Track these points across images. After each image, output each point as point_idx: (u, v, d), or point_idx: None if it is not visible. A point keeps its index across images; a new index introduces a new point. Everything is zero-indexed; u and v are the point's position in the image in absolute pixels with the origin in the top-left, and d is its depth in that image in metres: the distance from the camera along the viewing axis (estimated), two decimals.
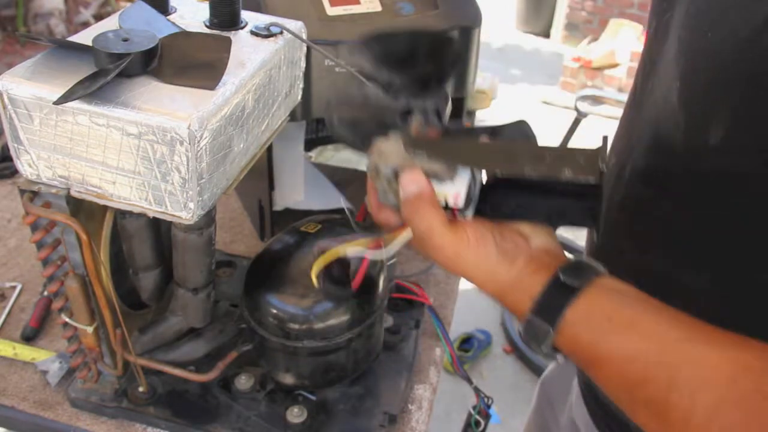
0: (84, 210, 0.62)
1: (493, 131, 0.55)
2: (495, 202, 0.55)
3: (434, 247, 0.53)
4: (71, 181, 0.58)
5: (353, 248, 0.58)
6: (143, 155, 0.54)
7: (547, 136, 2.85)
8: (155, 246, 0.73)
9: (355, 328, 0.73)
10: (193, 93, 0.55)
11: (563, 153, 0.50)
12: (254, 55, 0.62)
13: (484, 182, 0.57)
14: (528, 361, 2.06)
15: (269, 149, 0.92)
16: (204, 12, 0.68)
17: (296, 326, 0.71)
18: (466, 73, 0.94)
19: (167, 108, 0.53)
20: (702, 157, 0.53)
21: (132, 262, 0.73)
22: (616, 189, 0.64)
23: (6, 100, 0.54)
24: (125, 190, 0.57)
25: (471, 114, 1.44)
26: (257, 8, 0.77)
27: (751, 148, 0.48)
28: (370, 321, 0.75)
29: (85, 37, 0.58)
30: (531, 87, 4.16)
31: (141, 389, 0.76)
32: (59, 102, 0.51)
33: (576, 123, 2.28)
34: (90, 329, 0.69)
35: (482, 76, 1.46)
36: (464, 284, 1.08)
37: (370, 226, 0.62)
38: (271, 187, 0.98)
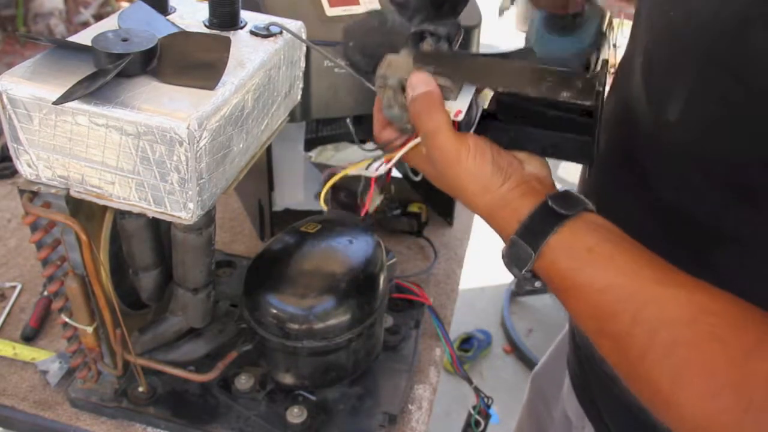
0: (84, 210, 0.62)
1: (502, 56, 0.57)
2: (493, 132, 0.56)
3: (437, 148, 0.54)
4: (71, 181, 0.58)
5: (357, 167, 0.59)
6: (143, 155, 0.54)
7: None
8: (155, 246, 0.73)
9: (355, 328, 0.73)
10: (193, 93, 0.55)
11: (563, 76, 0.51)
12: (254, 55, 0.62)
13: (484, 108, 0.58)
14: (528, 361, 2.06)
15: (269, 149, 0.92)
16: (203, 12, 0.68)
17: (296, 326, 0.71)
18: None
19: (167, 108, 0.53)
20: (662, 132, 0.54)
21: (132, 262, 0.73)
22: (593, 171, 0.65)
23: (5, 100, 0.54)
24: (125, 190, 0.57)
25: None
26: (257, 8, 0.77)
27: (706, 124, 0.50)
28: (370, 321, 0.75)
29: (84, 37, 0.58)
30: None
31: (141, 389, 0.76)
32: (59, 102, 0.51)
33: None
34: (90, 329, 0.69)
35: None
36: (464, 284, 1.08)
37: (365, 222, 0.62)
38: (271, 187, 0.98)
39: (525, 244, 0.50)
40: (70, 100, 0.51)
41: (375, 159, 0.58)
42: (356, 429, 0.74)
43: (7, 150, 0.59)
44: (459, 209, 1.13)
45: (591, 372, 0.71)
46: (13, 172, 1.15)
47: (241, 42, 0.64)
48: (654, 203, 0.57)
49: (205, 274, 0.73)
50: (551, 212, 0.50)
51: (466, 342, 2.12)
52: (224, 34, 0.64)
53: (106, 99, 0.53)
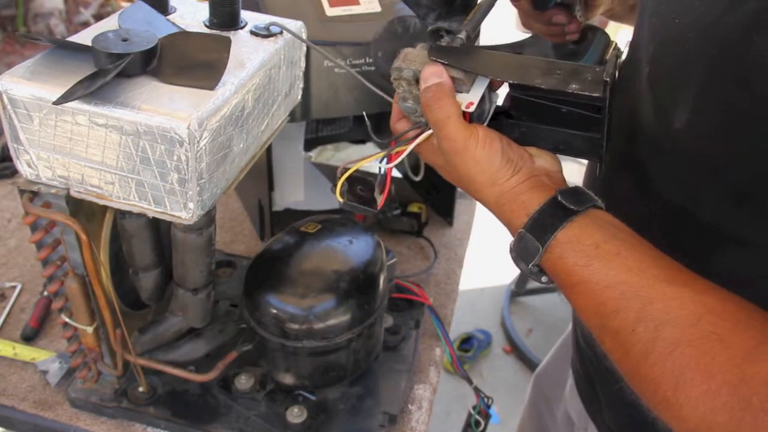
0: (84, 210, 0.62)
1: (513, 47, 0.58)
2: (506, 128, 0.57)
3: (447, 137, 0.54)
4: (71, 181, 0.58)
5: (370, 160, 0.59)
6: (143, 155, 0.54)
7: None
8: (155, 246, 0.73)
9: (355, 328, 0.73)
10: (193, 93, 0.55)
11: (573, 68, 0.52)
12: (254, 55, 0.62)
13: (498, 105, 0.59)
14: (528, 361, 2.06)
15: (269, 149, 0.92)
16: (204, 12, 0.68)
17: (296, 326, 0.71)
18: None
19: (167, 108, 0.53)
20: (667, 138, 0.54)
21: (132, 262, 0.73)
22: (596, 173, 0.66)
23: (6, 101, 0.54)
24: (125, 190, 0.57)
25: None
26: (257, 8, 0.77)
27: (712, 131, 0.50)
28: (370, 321, 0.75)
29: (84, 37, 0.58)
30: None
31: (141, 389, 0.76)
32: (59, 102, 0.51)
33: None
34: (90, 329, 0.69)
35: None
36: (464, 284, 1.08)
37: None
38: (271, 187, 0.98)
39: (533, 238, 0.50)
40: (70, 100, 0.51)
41: (387, 152, 0.58)
42: (356, 429, 0.74)
43: (7, 150, 0.59)
44: (459, 209, 1.13)
45: (595, 371, 0.71)
46: (13, 172, 1.15)
47: (241, 42, 0.64)
48: (657, 207, 0.58)
49: (205, 274, 0.73)
50: (560, 207, 0.50)
51: (466, 342, 2.12)
52: (224, 34, 0.64)
53: (106, 99, 0.53)
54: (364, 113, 0.75)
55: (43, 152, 0.56)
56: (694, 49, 0.50)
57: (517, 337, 2.14)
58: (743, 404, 0.39)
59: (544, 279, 0.52)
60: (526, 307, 2.28)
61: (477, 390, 0.81)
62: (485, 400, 0.81)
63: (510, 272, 2.26)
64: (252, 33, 0.66)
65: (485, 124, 0.57)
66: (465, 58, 0.55)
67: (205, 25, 0.66)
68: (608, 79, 0.49)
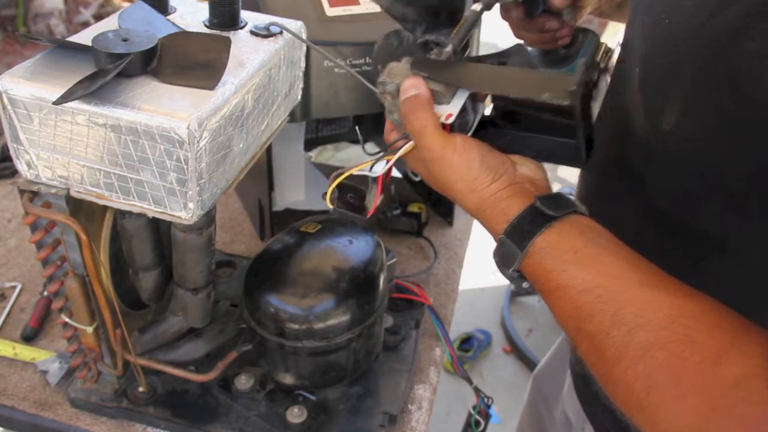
0: (84, 210, 0.62)
1: (499, 56, 0.60)
2: (491, 137, 0.58)
3: (424, 146, 0.55)
4: (71, 181, 0.58)
5: (361, 167, 0.60)
6: (143, 155, 0.54)
7: None
8: (155, 246, 0.73)
9: (355, 328, 0.73)
10: (193, 93, 0.55)
11: (545, 78, 0.53)
12: (254, 55, 0.62)
13: (485, 114, 0.60)
14: (528, 361, 2.06)
15: (269, 149, 0.92)
16: (204, 12, 0.68)
17: (296, 326, 0.71)
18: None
19: (167, 108, 0.53)
20: (657, 140, 0.54)
21: (132, 262, 0.73)
22: (591, 174, 0.66)
23: (5, 100, 0.54)
24: (125, 190, 0.57)
25: None
26: (257, 8, 0.77)
27: (701, 134, 0.50)
28: (370, 321, 0.75)
29: (84, 37, 0.58)
30: None
31: (141, 389, 0.76)
32: (59, 102, 0.51)
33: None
34: (90, 329, 0.69)
35: None
36: (464, 284, 1.08)
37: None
38: (271, 187, 0.98)
39: (512, 244, 0.51)
40: (70, 100, 0.51)
41: (378, 159, 0.59)
42: (356, 429, 0.74)
43: (7, 150, 0.59)
44: (459, 209, 1.12)
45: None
46: (13, 172, 1.15)
47: (241, 42, 0.64)
48: (648, 209, 0.58)
49: (205, 274, 0.73)
50: (539, 213, 0.51)
51: (466, 342, 2.12)
52: (224, 34, 0.64)
53: (106, 99, 0.53)
54: (357, 128, 0.76)
55: (43, 152, 0.56)
56: (685, 50, 0.50)
57: (517, 337, 2.14)
58: (711, 406, 0.40)
59: (525, 284, 0.53)
60: (526, 307, 2.28)
61: (477, 390, 0.81)
62: (485, 400, 0.81)
63: None
64: (252, 33, 0.66)
65: (470, 133, 0.58)
66: (445, 71, 0.56)
67: (205, 25, 0.66)
68: (574, 88, 0.50)
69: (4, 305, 0.91)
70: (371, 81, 0.63)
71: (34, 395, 0.79)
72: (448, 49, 0.56)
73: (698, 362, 0.41)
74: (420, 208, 1.10)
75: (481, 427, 0.81)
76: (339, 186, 0.60)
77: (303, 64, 0.74)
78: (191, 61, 0.57)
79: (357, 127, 0.70)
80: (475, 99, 0.58)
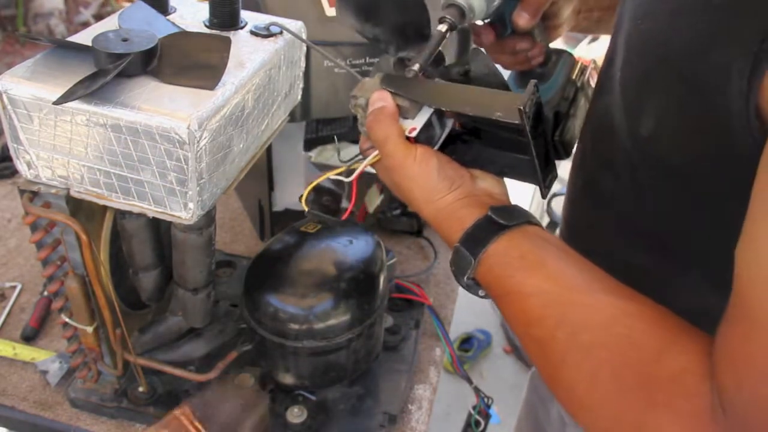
0: (84, 210, 0.62)
1: (463, 64, 0.63)
2: (457, 152, 0.60)
3: (387, 155, 0.57)
4: (71, 181, 0.58)
5: (335, 173, 0.62)
6: (142, 155, 0.54)
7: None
8: (155, 246, 0.73)
9: (355, 328, 0.73)
10: (193, 93, 0.55)
11: (499, 97, 0.55)
12: (254, 55, 0.62)
13: (453, 129, 0.62)
14: (528, 361, 2.06)
15: (269, 149, 0.92)
16: (204, 12, 0.68)
17: (296, 326, 0.71)
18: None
19: (167, 108, 0.53)
20: (637, 145, 0.55)
21: (132, 262, 0.73)
22: (579, 175, 0.66)
23: (6, 100, 0.54)
24: (125, 190, 0.57)
25: None
26: (257, 8, 0.77)
27: (676, 140, 0.51)
28: (370, 321, 0.75)
29: (85, 37, 0.58)
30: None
31: (141, 389, 0.76)
32: (59, 102, 0.51)
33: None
34: (90, 329, 0.69)
35: None
36: None
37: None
38: (271, 187, 0.98)
39: (466, 252, 0.52)
40: (70, 100, 0.51)
41: (348, 166, 0.61)
42: (356, 429, 0.74)
43: (7, 150, 0.59)
44: None
45: None
46: (13, 172, 1.15)
47: (241, 42, 0.64)
48: (633, 212, 0.59)
49: (205, 274, 0.73)
50: (492, 222, 0.52)
51: (466, 342, 2.12)
52: (224, 34, 0.64)
53: (106, 99, 0.53)
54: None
55: (43, 152, 0.56)
56: (659, 57, 0.50)
57: (517, 337, 2.14)
58: (650, 402, 0.41)
59: (481, 293, 0.54)
60: None
61: (477, 390, 0.81)
62: (485, 400, 0.81)
63: None
64: (252, 33, 0.66)
65: (437, 147, 0.60)
66: (411, 87, 0.59)
67: (205, 25, 0.66)
68: (521, 107, 0.51)
69: (4, 305, 0.91)
70: None
71: (34, 395, 0.79)
72: (415, 67, 0.58)
73: (638, 360, 0.42)
74: None
75: (481, 427, 0.81)
76: (317, 189, 0.62)
77: (303, 64, 0.74)
78: (191, 61, 0.57)
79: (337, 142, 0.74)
80: (442, 115, 0.61)
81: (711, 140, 0.47)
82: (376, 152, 0.59)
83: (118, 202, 0.58)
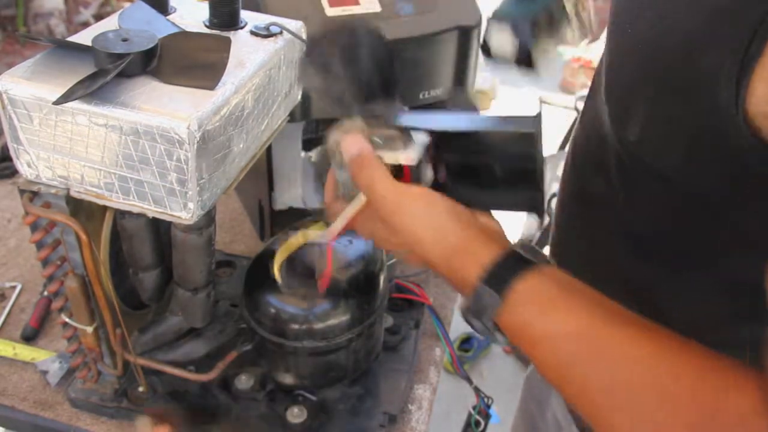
0: (84, 210, 0.62)
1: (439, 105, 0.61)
2: (445, 190, 0.56)
3: (378, 199, 0.52)
4: (71, 181, 0.58)
5: (310, 234, 0.57)
6: (142, 155, 0.54)
7: (548, 137, 2.84)
8: (155, 246, 0.73)
9: (355, 328, 0.73)
10: (193, 93, 0.55)
11: (504, 117, 0.53)
12: (254, 55, 0.62)
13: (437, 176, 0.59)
14: (528, 361, 2.06)
15: (269, 149, 0.92)
16: (204, 12, 0.68)
17: (296, 326, 0.71)
18: (466, 74, 0.94)
19: (167, 108, 0.53)
20: (625, 151, 0.55)
21: (132, 262, 0.73)
22: (569, 180, 0.66)
23: (6, 100, 0.54)
24: (125, 190, 0.57)
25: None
26: (257, 8, 0.77)
27: (662, 145, 0.50)
28: (370, 321, 0.75)
29: (85, 37, 0.58)
30: (531, 87, 4.16)
31: (141, 389, 0.76)
32: (59, 102, 0.51)
33: (576, 123, 2.28)
34: (90, 329, 0.69)
35: (482, 76, 1.46)
36: None
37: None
38: (271, 187, 0.98)
39: (490, 290, 0.48)
40: (70, 100, 0.51)
41: (320, 235, 0.56)
42: (356, 429, 0.74)
43: (7, 150, 0.59)
44: None
45: None
46: (13, 172, 1.15)
47: (241, 42, 0.64)
48: (624, 215, 0.58)
49: (205, 274, 0.73)
50: (519, 258, 0.49)
51: (466, 342, 2.12)
52: (224, 34, 0.64)
53: (106, 99, 0.53)
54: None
55: (43, 152, 0.56)
56: (645, 61, 0.50)
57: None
58: None
59: (500, 338, 0.49)
60: None
61: (477, 390, 0.81)
62: (485, 400, 0.81)
63: None
64: (252, 33, 0.66)
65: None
66: (403, 116, 0.55)
67: (205, 25, 0.66)
68: (537, 115, 0.49)
69: (4, 305, 0.91)
70: None
71: (34, 395, 0.79)
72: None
73: (692, 401, 0.40)
74: None
75: (481, 427, 0.81)
76: (288, 258, 0.58)
77: None
78: (191, 61, 0.57)
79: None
80: (427, 159, 0.56)
81: (700, 144, 0.47)
82: (359, 199, 0.54)
83: (118, 202, 0.58)
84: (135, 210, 0.58)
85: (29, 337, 0.86)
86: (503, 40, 0.66)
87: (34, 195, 0.60)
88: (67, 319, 0.69)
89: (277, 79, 0.66)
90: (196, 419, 0.74)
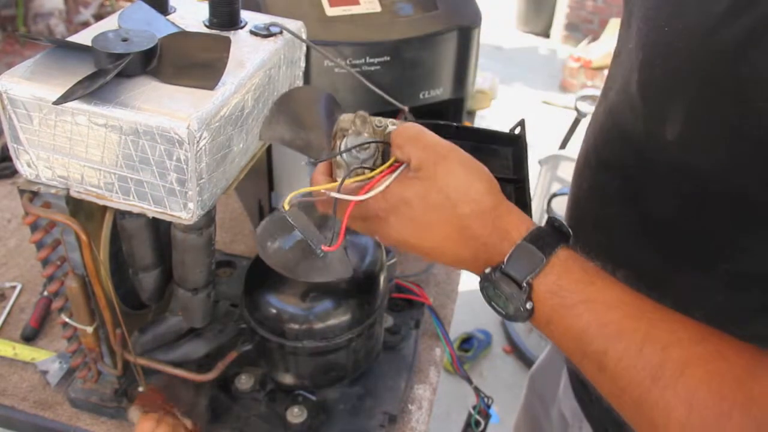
0: (84, 210, 0.62)
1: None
2: None
3: (429, 146, 0.50)
4: (71, 181, 0.58)
5: (322, 188, 0.54)
6: (142, 155, 0.54)
7: (548, 137, 2.85)
8: (155, 246, 0.73)
9: (355, 328, 0.73)
10: (193, 93, 0.55)
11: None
12: (254, 55, 0.62)
13: None
14: (528, 361, 2.06)
15: (269, 149, 0.92)
16: (204, 12, 0.68)
17: (296, 326, 0.71)
18: (466, 74, 0.94)
19: (167, 108, 0.53)
20: (658, 149, 0.54)
21: (132, 262, 0.73)
22: (584, 176, 0.66)
23: (5, 100, 0.54)
24: (125, 190, 0.57)
25: (471, 114, 1.44)
26: (257, 8, 0.77)
27: (704, 144, 0.49)
28: (370, 321, 0.75)
29: (84, 37, 0.58)
30: (531, 87, 4.16)
31: (141, 389, 0.76)
32: (59, 102, 0.51)
33: (576, 123, 2.28)
34: (90, 329, 0.69)
35: (482, 76, 1.46)
36: (464, 284, 1.08)
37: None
38: (271, 187, 0.98)
39: (535, 249, 0.46)
40: (70, 100, 0.51)
41: (341, 182, 0.53)
42: (356, 429, 0.74)
43: (7, 150, 0.59)
44: None
45: None
46: (13, 172, 1.15)
47: (241, 42, 0.64)
48: (643, 214, 0.58)
49: (205, 274, 0.73)
50: (557, 230, 0.48)
51: (466, 342, 2.12)
52: (224, 34, 0.64)
53: (106, 99, 0.53)
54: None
55: (43, 152, 0.56)
56: (687, 60, 0.49)
57: (517, 337, 2.14)
58: (756, 424, 0.39)
59: (528, 305, 0.47)
60: None
61: (477, 390, 0.81)
62: (485, 400, 0.81)
63: None
64: (252, 33, 0.66)
65: None
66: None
67: (205, 25, 0.66)
68: (522, 121, 0.52)
69: (4, 305, 0.91)
70: (371, 80, 0.63)
71: (34, 395, 0.79)
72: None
73: (735, 379, 0.40)
74: None
75: (481, 427, 0.81)
76: (306, 208, 0.55)
77: (303, 64, 0.74)
78: (191, 61, 0.57)
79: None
80: None
81: (745, 144, 0.46)
82: (401, 168, 0.51)
83: (118, 202, 0.58)
84: (135, 210, 0.58)
85: (29, 337, 0.86)
86: None
87: (34, 195, 0.60)
88: (67, 319, 0.69)
89: (277, 79, 0.66)
90: (197, 419, 0.74)
